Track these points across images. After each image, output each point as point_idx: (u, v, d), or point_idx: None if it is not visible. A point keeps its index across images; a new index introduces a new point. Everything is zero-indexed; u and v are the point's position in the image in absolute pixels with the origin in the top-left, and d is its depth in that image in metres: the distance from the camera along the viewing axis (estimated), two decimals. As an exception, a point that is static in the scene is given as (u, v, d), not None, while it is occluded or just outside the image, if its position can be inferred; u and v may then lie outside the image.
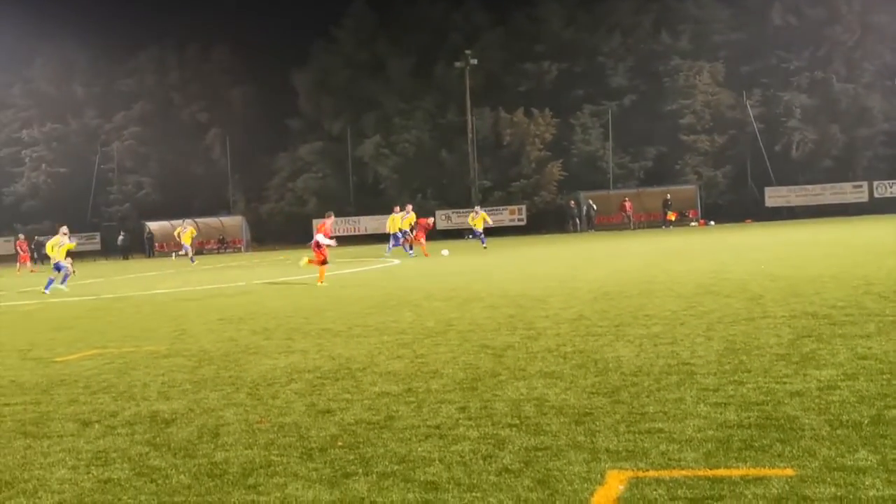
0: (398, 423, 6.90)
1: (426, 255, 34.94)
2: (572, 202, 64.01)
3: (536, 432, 6.33)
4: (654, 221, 61.70)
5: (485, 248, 38.31)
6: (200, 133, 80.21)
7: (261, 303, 18.58)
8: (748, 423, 6.15)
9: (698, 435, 5.92)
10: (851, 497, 4.61)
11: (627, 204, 62.77)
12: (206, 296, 21.95)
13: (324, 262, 22.67)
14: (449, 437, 6.37)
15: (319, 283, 21.98)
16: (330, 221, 24.67)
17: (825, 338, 9.37)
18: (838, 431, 5.78)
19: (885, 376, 7.28)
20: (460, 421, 6.82)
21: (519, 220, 66.77)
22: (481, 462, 5.70)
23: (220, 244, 68.35)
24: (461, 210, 64.44)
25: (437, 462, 5.76)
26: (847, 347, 8.69)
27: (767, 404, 6.65)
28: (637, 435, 6.03)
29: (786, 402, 6.69)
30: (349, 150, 72.67)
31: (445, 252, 34.34)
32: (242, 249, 67.00)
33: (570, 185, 67.93)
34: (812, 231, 37.37)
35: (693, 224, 60.13)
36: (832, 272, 16.71)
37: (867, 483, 4.78)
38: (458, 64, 67.20)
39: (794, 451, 5.42)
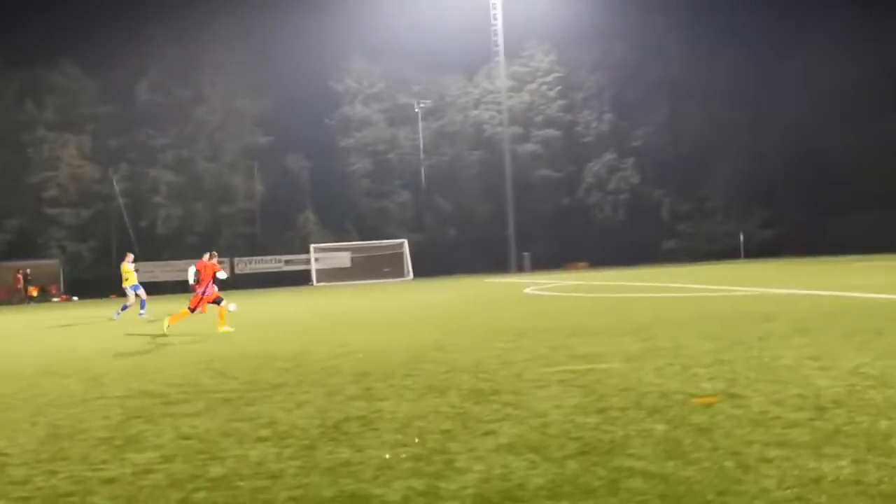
0: None
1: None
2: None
3: None
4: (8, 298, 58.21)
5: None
6: None
7: None
8: (48, 519, 5.67)
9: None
10: None
11: (20, 275, 58.74)
12: None
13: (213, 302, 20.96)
14: None
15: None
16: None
17: (155, 418, 9.16)
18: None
19: (202, 456, 7.21)
20: None
21: None
22: None
23: None
24: None
25: None
26: (173, 427, 8.54)
27: (77, 495, 6.20)
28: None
29: (97, 490, 6.30)
30: None
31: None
32: None
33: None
34: (171, 307, 37.50)
35: (55, 300, 57.95)
36: (174, 349, 16.83)
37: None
38: None
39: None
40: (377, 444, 7.22)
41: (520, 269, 72.41)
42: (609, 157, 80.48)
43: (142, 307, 30.68)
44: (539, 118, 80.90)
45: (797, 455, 6.08)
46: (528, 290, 35.47)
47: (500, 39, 75.59)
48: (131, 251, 53.21)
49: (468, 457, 6.62)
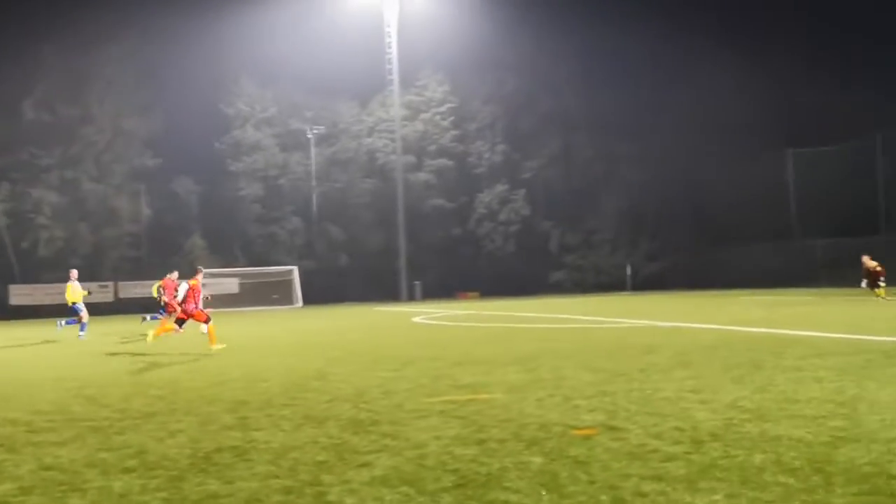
0: None
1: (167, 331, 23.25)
2: None
3: None
4: None
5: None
6: None
7: None
8: None
9: None
10: None
11: None
12: None
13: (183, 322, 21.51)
14: None
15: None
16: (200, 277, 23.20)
17: (17, 447, 8.72)
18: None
19: (62, 488, 6.86)
20: None
21: None
22: None
23: None
24: None
25: None
26: (35, 457, 8.13)
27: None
28: None
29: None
30: None
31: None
32: None
33: None
34: (43, 332, 36.19)
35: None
36: (53, 375, 16.19)
37: None
38: None
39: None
40: (248, 476, 6.97)
41: (411, 297, 72.35)
42: (501, 188, 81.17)
43: (71, 323, 30.72)
44: (432, 147, 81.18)
45: (672, 489, 6.04)
46: (416, 319, 35.36)
47: (395, 68, 75.82)
48: (11, 273, 52.00)
49: (341, 489, 6.43)
